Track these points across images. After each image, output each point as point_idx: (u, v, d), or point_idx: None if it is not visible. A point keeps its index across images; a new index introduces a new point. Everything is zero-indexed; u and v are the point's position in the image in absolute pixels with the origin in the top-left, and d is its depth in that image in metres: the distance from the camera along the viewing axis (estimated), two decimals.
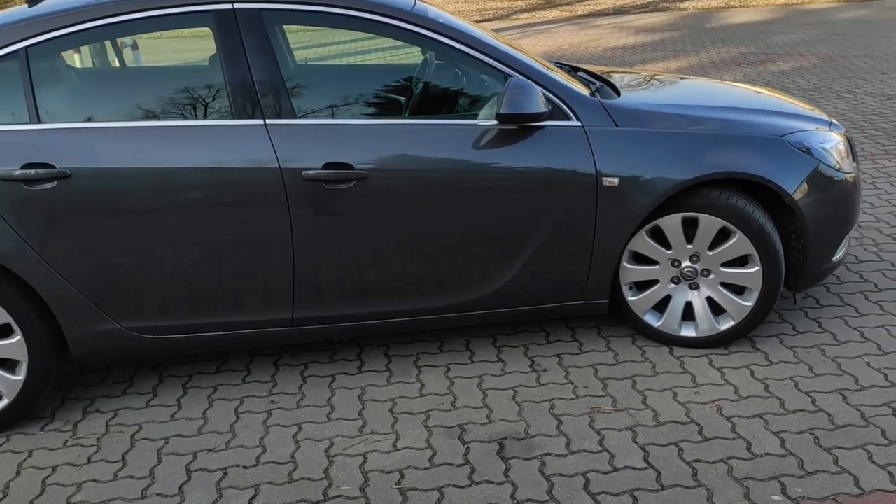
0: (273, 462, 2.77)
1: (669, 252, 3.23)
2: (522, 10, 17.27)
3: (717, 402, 2.97)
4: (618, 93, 3.37)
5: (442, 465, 2.71)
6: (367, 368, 3.34)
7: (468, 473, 2.66)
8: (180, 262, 2.92)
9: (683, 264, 3.24)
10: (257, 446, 2.86)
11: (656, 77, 3.92)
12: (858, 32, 11.76)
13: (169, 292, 2.95)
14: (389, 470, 2.70)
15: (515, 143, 3.04)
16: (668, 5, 16.57)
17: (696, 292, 3.28)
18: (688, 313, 3.31)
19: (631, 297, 3.32)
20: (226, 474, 2.71)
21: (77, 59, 3.56)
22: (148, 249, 2.88)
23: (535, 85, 2.95)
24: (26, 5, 3.17)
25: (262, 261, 2.96)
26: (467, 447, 2.80)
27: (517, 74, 3.05)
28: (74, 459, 2.82)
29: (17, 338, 2.86)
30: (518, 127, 3.04)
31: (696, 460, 2.66)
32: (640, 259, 3.27)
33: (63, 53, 3.14)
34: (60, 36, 2.87)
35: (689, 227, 3.19)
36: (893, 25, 12.21)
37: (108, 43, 3.57)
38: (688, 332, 3.32)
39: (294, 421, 3.00)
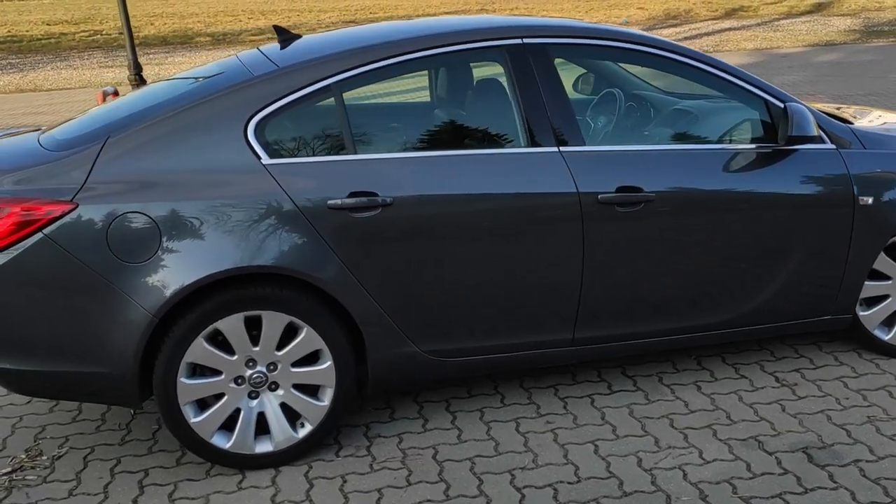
0: (594, 477, 2.80)
1: None
2: None
3: None
4: (846, 121, 3.57)
5: (763, 474, 2.79)
6: (616, 388, 3.40)
7: (795, 481, 2.75)
8: (480, 285, 2.95)
9: None
10: (566, 463, 2.89)
11: (844, 108, 4.12)
12: (847, 74, 12.41)
13: (467, 315, 2.97)
14: (716, 481, 2.76)
15: (777, 165, 3.19)
16: None
17: None
18: None
19: (862, 313, 3.49)
20: (556, 490, 2.74)
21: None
22: (452, 273, 2.90)
23: (808, 110, 3.13)
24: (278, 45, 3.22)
25: (554, 281, 3.02)
26: (775, 457, 2.89)
27: (781, 102, 3.21)
28: (392, 482, 2.80)
29: (328, 363, 2.84)
30: (773, 150, 3.21)
31: None
32: (871, 275, 3.45)
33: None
34: (370, 70, 2.92)
35: None
36: (874, 67, 12.94)
37: None
38: None
39: (584, 439, 3.04)
